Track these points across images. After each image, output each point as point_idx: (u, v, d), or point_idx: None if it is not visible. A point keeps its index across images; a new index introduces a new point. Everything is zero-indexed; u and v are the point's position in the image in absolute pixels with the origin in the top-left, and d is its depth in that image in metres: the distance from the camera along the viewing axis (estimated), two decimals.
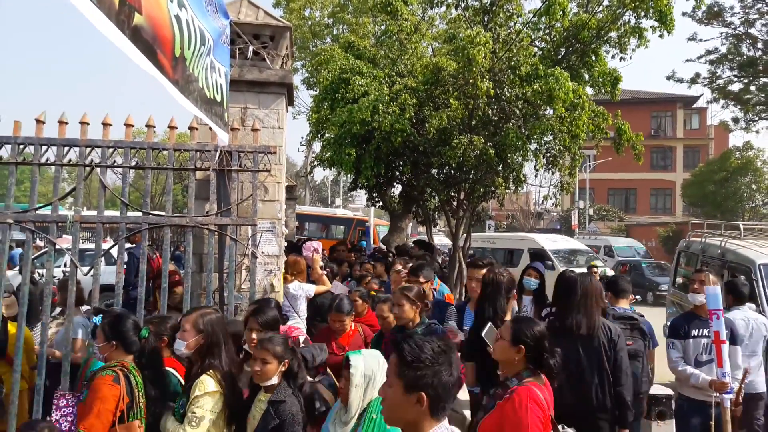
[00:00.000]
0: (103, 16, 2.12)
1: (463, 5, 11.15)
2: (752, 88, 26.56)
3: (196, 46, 3.65)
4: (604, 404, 3.56)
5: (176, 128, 5.14)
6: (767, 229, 9.38)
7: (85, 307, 5.67)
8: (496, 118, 10.47)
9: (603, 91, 11.31)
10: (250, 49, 5.82)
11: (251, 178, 5.01)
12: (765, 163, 31.14)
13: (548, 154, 11.12)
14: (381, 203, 14.72)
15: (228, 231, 4.93)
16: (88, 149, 4.85)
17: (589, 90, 11.13)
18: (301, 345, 4.18)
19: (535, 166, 10.88)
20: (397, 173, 12.59)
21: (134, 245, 8.68)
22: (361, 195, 25.78)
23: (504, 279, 4.35)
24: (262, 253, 5.45)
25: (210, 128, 5.21)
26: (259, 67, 5.81)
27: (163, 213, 5.08)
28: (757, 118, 27.56)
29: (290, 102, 6.29)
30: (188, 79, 3.58)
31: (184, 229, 5.13)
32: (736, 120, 28.28)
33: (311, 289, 6.39)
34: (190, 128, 5.09)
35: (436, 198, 12.30)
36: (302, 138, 35.49)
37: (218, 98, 4.55)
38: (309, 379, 3.66)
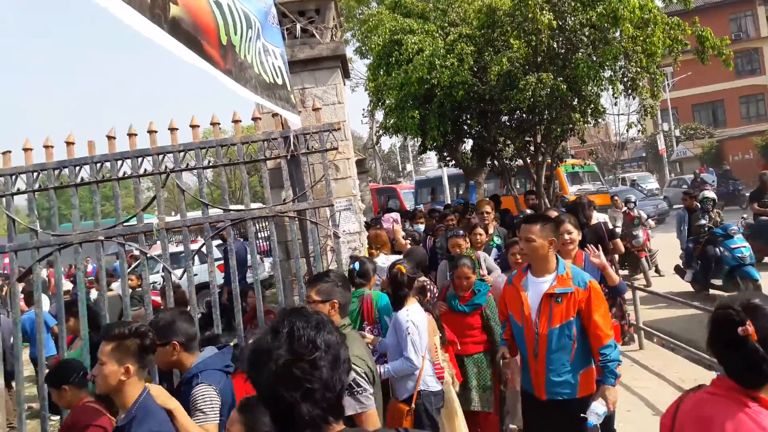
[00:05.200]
0: (135, 12, 2.00)
1: None
2: None
3: (243, 31, 3.51)
4: None
5: (240, 121, 5.11)
6: None
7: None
8: (563, 51, 9.85)
9: (674, 0, 10.40)
10: (298, 27, 5.68)
11: (321, 159, 4.92)
12: None
13: (625, 79, 10.36)
14: (453, 161, 14.39)
15: (307, 215, 4.88)
16: (161, 156, 4.91)
17: (659, 2, 10.26)
18: None
19: (613, 94, 10.17)
20: (466, 128, 12.21)
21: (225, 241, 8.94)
22: (431, 157, 25.09)
23: None
24: (344, 231, 5.38)
25: (273, 115, 5.14)
26: (309, 44, 5.67)
27: (243, 207, 5.09)
28: None
29: (346, 74, 6.13)
30: (242, 66, 3.46)
31: (266, 220, 5.14)
32: None
33: None
34: (254, 119, 5.04)
35: (511, 146, 11.82)
36: (364, 110, 35.35)
37: (279, 81, 4.42)
38: None
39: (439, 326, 4.40)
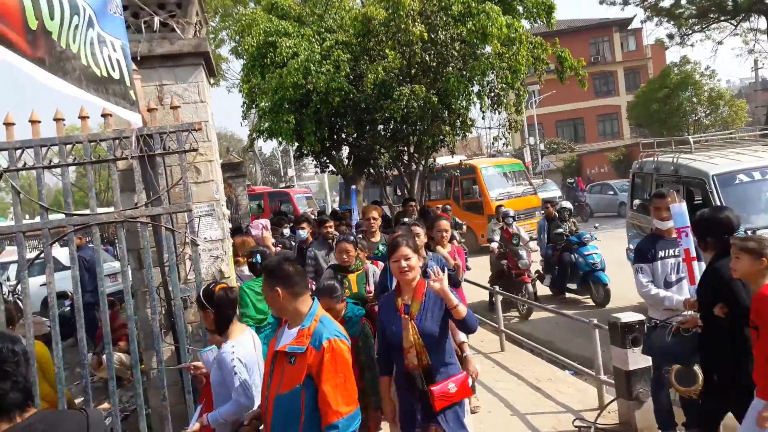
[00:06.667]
0: None
1: None
2: (683, 1, 26.60)
3: (65, 17, 3.17)
4: None
5: (88, 117, 4.69)
6: (715, 140, 9.41)
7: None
8: (434, 64, 10.14)
9: (538, 21, 11.07)
10: (156, 20, 5.32)
11: (179, 161, 4.63)
12: (703, 75, 31.52)
13: (492, 94, 10.86)
14: (331, 168, 14.34)
15: (162, 221, 4.56)
16: None
17: (525, 23, 10.88)
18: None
19: (480, 108, 10.63)
20: (343, 135, 12.20)
21: (80, 248, 8.41)
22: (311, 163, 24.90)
23: None
24: (204, 239, 5.09)
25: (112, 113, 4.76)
26: (169, 39, 5.32)
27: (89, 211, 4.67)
28: (690, 32, 27.71)
29: (210, 72, 5.83)
30: (61, 56, 3.12)
31: (116, 226, 4.75)
32: (671, 36, 28.36)
33: None
34: (104, 115, 4.65)
35: (386, 155, 11.98)
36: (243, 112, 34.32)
37: (115, 75, 4.07)
38: None
39: None
